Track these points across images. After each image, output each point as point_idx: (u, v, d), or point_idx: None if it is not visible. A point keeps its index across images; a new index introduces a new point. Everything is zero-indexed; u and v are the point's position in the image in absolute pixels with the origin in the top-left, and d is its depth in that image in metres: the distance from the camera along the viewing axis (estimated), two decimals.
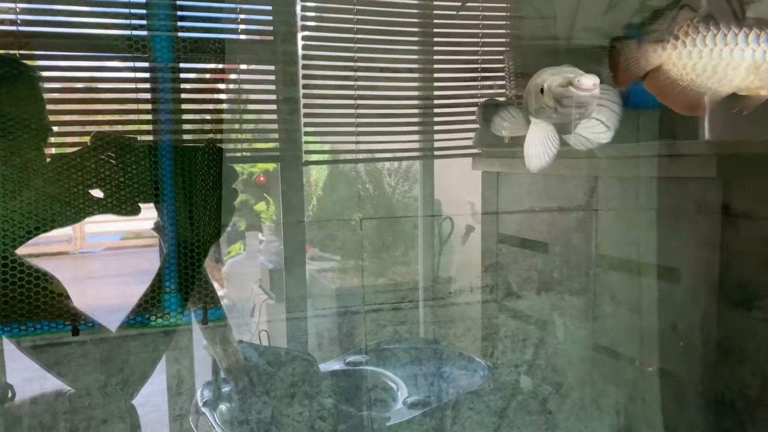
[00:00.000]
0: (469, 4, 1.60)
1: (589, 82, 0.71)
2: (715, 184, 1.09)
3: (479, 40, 1.63)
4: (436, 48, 1.63)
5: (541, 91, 0.77)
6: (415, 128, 1.67)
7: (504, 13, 1.66)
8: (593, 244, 1.33)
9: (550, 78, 0.77)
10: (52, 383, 0.88)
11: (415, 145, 1.72)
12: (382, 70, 1.56)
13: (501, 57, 1.62)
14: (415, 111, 1.65)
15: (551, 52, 1.38)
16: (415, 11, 1.61)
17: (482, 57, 1.64)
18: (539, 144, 0.82)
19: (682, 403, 1.16)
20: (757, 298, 1.07)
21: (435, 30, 1.62)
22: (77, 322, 0.84)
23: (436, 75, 1.65)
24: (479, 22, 1.63)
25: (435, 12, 1.61)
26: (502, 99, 1.59)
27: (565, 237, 1.39)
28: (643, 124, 1.12)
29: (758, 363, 1.07)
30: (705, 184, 1.10)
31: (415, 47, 1.62)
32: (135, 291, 0.89)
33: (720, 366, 1.11)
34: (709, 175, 1.08)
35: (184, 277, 0.88)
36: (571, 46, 1.31)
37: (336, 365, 1.41)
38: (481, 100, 1.63)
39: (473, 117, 1.62)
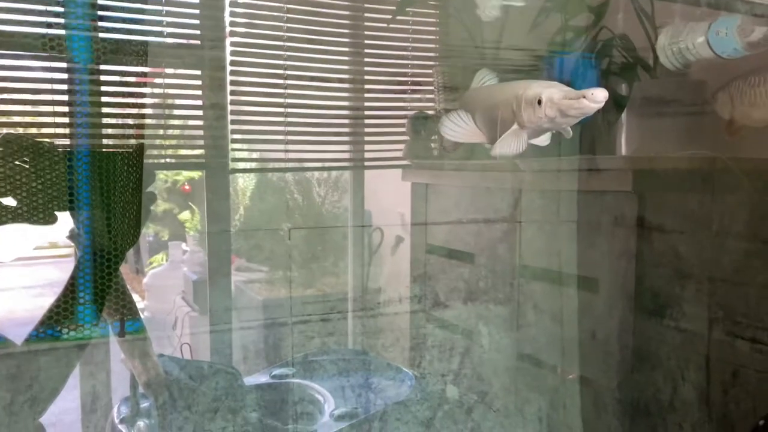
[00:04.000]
0: (399, 17, 1.62)
1: (602, 95, 0.76)
2: (630, 197, 1.14)
3: (409, 53, 1.65)
4: (366, 59, 1.64)
5: (538, 102, 0.81)
6: (346, 138, 1.67)
7: (433, 28, 1.69)
8: (517, 255, 1.36)
9: (547, 90, 0.81)
10: None
11: (345, 156, 1.72)
12: (312, 79, 1.55)
13: (430, 71, 1.65)
14: (346, 121, 1.65)
15: (478, 67, 1.41)
16: (347, 22, 1.61)
17: (412, 70, 1.66)
18: (511, 140, 0.88)
19: (600, 408, 1.20)
20: (669, 306, 1.12)
21: (366, 42, 1.63)
22: None
23: (366, 86, 1.65)
24: (409, 35, 1.65)
25: (366, 24, 1.62)
26: (430, 112, 1.61)
27: (490, 248, 1.42)
28: (563, 140, 1.16)
29: (670, 368, 1.12)
30: (621, 197, 1.15)
31: (346, 58, 1.62)
32: (49, 304, 0.85)
33: (635, 372, 1.16)
34: (625, 188, 1.13)
35: (100, 286, 0.84)
36: (498, 62, 1.35)
37: (261, 378, 1.38)
38: (411, 112, 1.65)
39: (403, 129, 1.64)
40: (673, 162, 1.12)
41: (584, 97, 0.77)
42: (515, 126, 0.87)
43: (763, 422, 0.90)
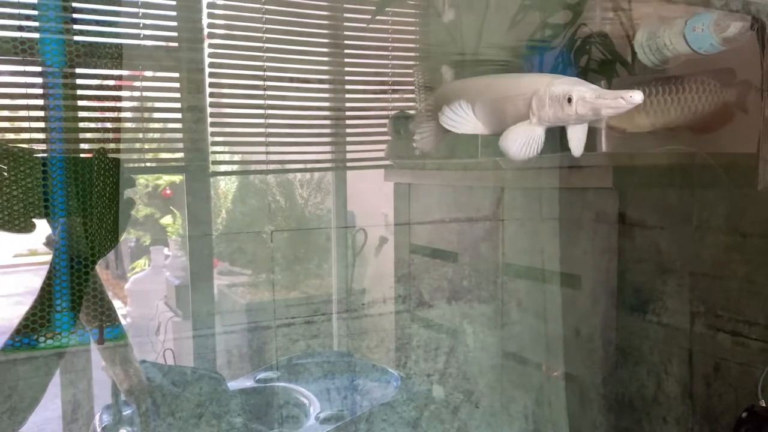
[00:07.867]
0: (378, 17, 1.61)
1: (640, 96, 0.77)
2: (611, 194, 1.14)
3: (389, 53, 1.65)
4: (346, 60, 1.63)
5: (568, 100, 0.81)
6: (327, 139, 1.66)
7: (413, 28, 1.69)
8: (500, 253, 1.36)
9: (576, 88, 0.81)
10: None
11: (327, 157, 1.71)
12: (291, 80, 1.54)
13: (410, 70, 1.65)
14: (327, 122, 1.64)
15: (458, 66, 1.41)
16: (326, 22, 1.60)
17: (392, 70, 1.65)
18: (524, 134, 0.88)
19: (585, 404, 1.21)
20: (651, 302, 1.13)
21: (345, 42, 1.62)
22: None
23: (347, 87, 1.65)
24: (389, 35, 1.65)
25: (345, 24, 1.61)
26: (412, 112, 1.61)
27: (473, 246, 1.42)
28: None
29: (653, 363, 1.13)
30: (603, 194, 1.16)
31: (326, 58, 1.61)
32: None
33: (619, 368, 1.17)
34: (606, 185, 1.14)
35: (77, 293, 0.83)
36: (477, 61, 1.35)
37: (246, 383, 1.37)
38: (392, 112, 1.65)
39: (384, 129, 1.63)
40: (652, 158, 1.12)
41: (622, 98, 0.78)
42: (533, 120, 0.87)
43: (746, 414, 0.91)
